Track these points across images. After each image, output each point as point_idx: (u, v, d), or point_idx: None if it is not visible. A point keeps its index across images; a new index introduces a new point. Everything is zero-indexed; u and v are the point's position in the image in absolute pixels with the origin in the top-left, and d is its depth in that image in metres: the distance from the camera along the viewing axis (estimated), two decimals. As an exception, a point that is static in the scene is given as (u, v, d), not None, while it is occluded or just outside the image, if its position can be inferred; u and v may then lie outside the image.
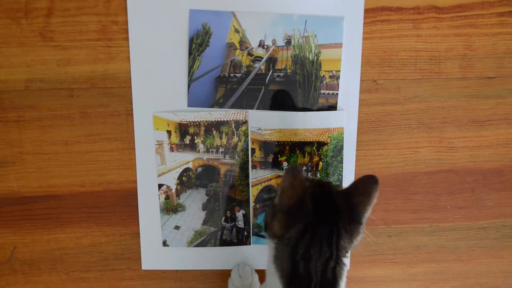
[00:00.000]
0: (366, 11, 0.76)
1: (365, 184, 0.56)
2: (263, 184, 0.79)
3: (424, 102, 0.79)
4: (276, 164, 0.79)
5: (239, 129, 0.78)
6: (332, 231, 0.53)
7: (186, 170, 0.79)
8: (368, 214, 0.57)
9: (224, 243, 0.81)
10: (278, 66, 0.77)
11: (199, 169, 0.79)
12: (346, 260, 0.55)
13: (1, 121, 0.77)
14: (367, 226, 0.81)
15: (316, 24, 0.75)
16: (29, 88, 0.76)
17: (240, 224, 0.80)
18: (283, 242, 0.54)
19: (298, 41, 0.76)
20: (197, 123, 0.78)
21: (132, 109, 0.77)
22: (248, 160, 0.78)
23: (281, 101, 0.77)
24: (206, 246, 0.81)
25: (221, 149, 0.79)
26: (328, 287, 0.53)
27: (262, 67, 0.77)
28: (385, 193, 0.81)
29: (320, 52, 0.76)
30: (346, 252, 0.55)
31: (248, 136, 0.78)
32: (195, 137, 0.78)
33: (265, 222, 0.59)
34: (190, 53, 0.75)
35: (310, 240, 0.53)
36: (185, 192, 0.80)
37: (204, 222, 0.80)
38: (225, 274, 0.82)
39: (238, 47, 0.76)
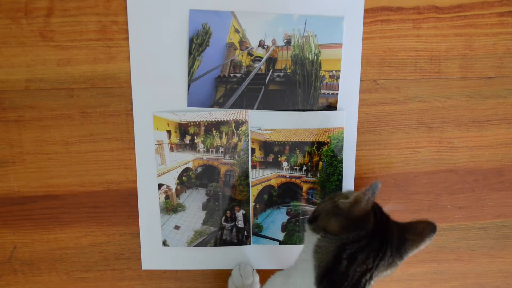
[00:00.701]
0: (366, 11, 0.76)
1: (424, 228, 0.58)
2: (263, 184, 0.79)
3: (424, 102, 0.79)
4: (276, 164, 0.79)
5: (239, 129, 0.78)
6: (381, 250, 0.55)
7: (186, 170, 0.79)
8: (411, 254, 0.58)
9: (224, 243, 0.81)
10: (278, 66, 0.77)
11: (199, 169, 0.79)
12: (374, 280, 0.57)
13: (1, 121, 0.77)
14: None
15: (316, 24, 0.75)
16: (29, 88, 0.76)
17: (240, 224, 0.80)
18: (330, 237, 0.55)
19: (298, 41, 0.76)
20: (197, 123, 0.78)
21: (132, 109, 0.77)
22: (248, 160, 0.78)
23: (281, 101, 0.77)
24: (206, 246, 0.81)
25: (221, 149, 0.79)
26: None
27: (262, 67, 0.77)
28: (385, 193, 0.81)
29: (320, 52, 0.76)
30: (377, 275, 0.57)
31: (248, 136, 0.78)
32: (195, 137, 0.78)
33: (315, 215, 0.60)
34: (190, 53, 0.75)
35: (362, 247, 0.54)
36: (185, 192, 0.80)
37: (204, 222, 0.80)
38: (225, 274, 0.82)
39: (238, 47, 0.76)
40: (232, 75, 0.77)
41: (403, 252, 0.57)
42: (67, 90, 0.77)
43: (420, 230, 0.57)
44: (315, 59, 0.76)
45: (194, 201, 0.80)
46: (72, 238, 0.81)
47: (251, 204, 0.79)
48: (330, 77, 0.77)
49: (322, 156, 0.79)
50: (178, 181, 0.79)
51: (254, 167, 0.79)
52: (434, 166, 0.81)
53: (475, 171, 0.81)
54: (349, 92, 0.77)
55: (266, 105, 0.77)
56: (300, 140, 0.78)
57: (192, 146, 0.78)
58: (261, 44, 0.76)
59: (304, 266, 0.57)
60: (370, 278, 0.55)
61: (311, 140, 0.78)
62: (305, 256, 0.58)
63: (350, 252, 0.54)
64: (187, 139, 0.78)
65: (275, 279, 0.63)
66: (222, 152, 0.79)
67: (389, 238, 0.56)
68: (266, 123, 0.77)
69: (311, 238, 0.58)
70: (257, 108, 0.77)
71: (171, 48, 0.76)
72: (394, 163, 0.80)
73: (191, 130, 0.78)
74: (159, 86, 0.76)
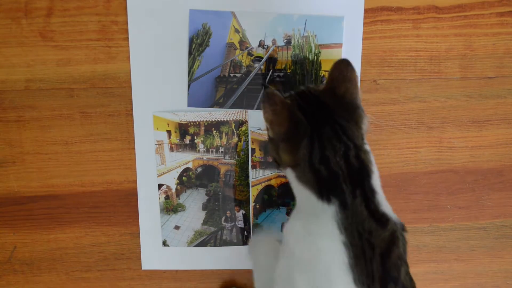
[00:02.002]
0: (366, 11, 0.76)
1: (341, 72, 0.56)
2: (263, 184, 0.79)
3: (424, 102, 0.79)
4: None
5: (239, 129, 0.78)
6: (335, 128, 0.53)
7: (186, 170, 0.79)
8: (359, 96, 0.56)
9: (224, 243, 0.81)
10: (278, 66, 0.77)
11: (199, 169, 0.79)
12: (367, 147, 0.55)
13: (1, 121, 0.77)
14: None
15: (316, 24, 0.75)
16: (29, 88, 0.76)
17: (240, 224, 0.80)
18: (298, 163, 0.54)
19: (298, 41, 0.76)
20: (197, 123, 0.78)
21: (132, 109, 0.77)
22: (248, 160, 0.78)
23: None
24: (206, 246, 0.81)
25: (221, 149, 0.79)
26: (359, 173, 0.53)
27: (262, 67, 0.77)
28: (385, 193, 0.81)
29: (320, 52, 0.76)
30: (362, 139, 0.55)
31: (248, 136, 0.78)
32: (195, 137, 0.78)
33: (273, 159, 0.59)
34: (190, 53, 0.75)
35: (320, 146, 0.53)
36: (185, 192, 0.80)
37: (204, 222, 0.80)
38: (225, 274, 0.82)
39: (238, 47, 0.76)
40: (232, 75, 0.77)
41: (352, 104, 0.55)
42: (67, 90, 0.77)
43: (342, 77, 0.55)
44: (315, 59, 0.76)
45: (194, 201, 0.80)
46: (72, 238, 0.81)
47: (251, 204, 0.79)
48: (330, 77, 0.77)
49: (322, 156, 0.78)
50: (178, 181, 0.79)
51: (254, 167, 0.79)
52: (434, 166, 0.81)
53: (475, 171, 0.81)
54: (349, 92, 0.77)
55: (266, 105, 0.77)
56: (300, 140, 0.78)
57: (192, 146, 0.78)
58: (261, 44, 0.76)
59: (302, 197, 0.56)
60: (357, 150, 0.53)
61: (311, 140, 0.78)
62: (296, 190, 0.57)
63: (318, 158, 0.53)
64: (187, 139, 0.78)
65: (294, 224, 0.59)
66: (222, 152, 0.79)
67: (331, 111, 0.54)
68: (266, 123, 0.77)
69: (288, 174, 0.58)
70: (257, 108, 0.77)
71: (171, 48, 0.76)
72: (394, 163, 0.80)
73: (191, 130, 0.78)
74: (159, 86, 0.76)
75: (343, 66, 0.56)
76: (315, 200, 0.54)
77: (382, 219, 0.52)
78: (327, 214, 0.52)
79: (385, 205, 0.54)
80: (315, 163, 0.53)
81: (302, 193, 0.56)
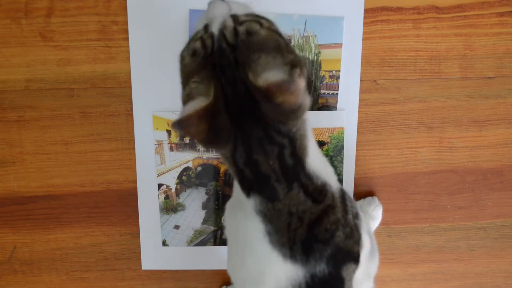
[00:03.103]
0: (366, 11, 0.76)
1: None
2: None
3: (424, 102, 0.79)
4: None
5: (239, 129, 0.78)
6: (267, 130, 0.47)
7: (186, 169, 0.79)
8: (304, 101, 0.46)
9: (224, 242, 0.81)
10: (278, 66, 0.76)
11: (199, 168, 0.79)
12: (303, 128, 0.49)
13: (1, 121, 0.77)
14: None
15: (316, 24, 0.75)
16: (29, 88, 0.77)
17: (240, 224, 0.80)
18: (224, 155, 0.51)
19: (298, 41, 0.76)
20: (197, 123, 0.78)
21: (132, 109, 0.77)
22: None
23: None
24: (206, 246, 0.81)
25: (221, 149, 0.79)
26: (294, 170, 0.49)
27: (262, 67, 0.76)
28: (385, 193, 0.81)
29: (320, 52, 0.76)
30: (297, 125, 0.48)
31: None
32: (195, 137, 0.78)
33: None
34: (190, 53, 0.75)
35: (246, 149, 0.48)
36: (185, 191, 0.80)
37: (204, 221, 0.80)
38: (225, 274, 0.82)
39: (238, 47, 0.76)
40: (232, 75, 0.76)
41: (289, 112, 0.46)
42: (67, 90, 0.77)
43: (276, 87, 0.43)
44: (315, 59, 0.76)
45: (194, 200, 0.80)
46: (72, 238, 0.81)
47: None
48: (330, 77, 0.77)
49: (322, 156, 0.78)
50: (178, 180, 0.79)
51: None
52: (434, 166, 0.81)
53: (475, 171, 0.81)
54: (349, 92, 0.77)
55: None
56: (300, 140, 0.78)
57: (192, 146, 0.78)
58: (261, 44, 0.76)
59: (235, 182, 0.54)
60: (292, 152, 0.48)
61: (311, 140, 0.78)
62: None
63: (242, 160, 0.49)
64: (187, 139, 0.78)
65: (226, 207, 0.60)
66: (222, 152, 0.79)
67: (264, 117, 0.46)
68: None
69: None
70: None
71: (171, 48, 0.75)
72: (394, 163, 0.80)
73: (191, 130, 0.78)
74: (159, 86, 0.76)
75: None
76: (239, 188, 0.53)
77: (319, 197, 0.51)
78: (249, 204, 0.52)
79: (322, 171, 0.52)
80: (239, 164, 0.49)
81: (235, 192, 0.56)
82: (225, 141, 0.48)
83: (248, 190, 0.51)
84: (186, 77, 0.49)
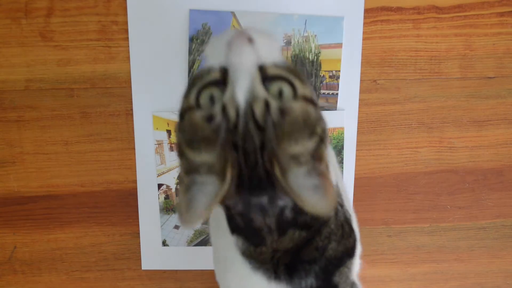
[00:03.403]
0: (366, 11, 0.76)
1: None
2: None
3: (424, 102, 0.79)
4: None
5: (239, 129, 0.78)
6: (272, 197, 0.41)
7: (186, 170, 0.79)
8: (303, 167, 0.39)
9: (224, 243, 0.81)
10: (278, 66, 0.76)
11: (199, 169, 0.79)
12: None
13: (1, 121, 0.77)
14: (366, 226, 0.81)
15: (316, 24, 0.75)
16: (29, 88, 0.76)
17: (240, 224, 0.80)
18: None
19: (298, 41, 0.76)
20: (197, 123, 0.78)
21: (132, 109, 0.77)
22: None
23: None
24: (206, 246, 0.81)
25: (221, 149, 0.78)
26: (292, 222, 0.43)
27: (262, 67, 0.76)
28: (385, 193, 0.81)
29: (320, 52, 0.76)
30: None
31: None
32: (195, 137, 0.78)
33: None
34: (190, 53, 0.75)
35: (244, 209, 0.42)
36: (185, 192, 0.79)
37: (204, 221, 0.80)
38: (225, 274, 0.82)
39: (238, 47, 0.76)
40: (232, 75, 0.76)
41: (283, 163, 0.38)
42: (67, 90, 0.77)
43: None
44: (315, 59, 0.76)
45: (194, 201, 0.80)
46: (72, 238, 0.81)
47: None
48: (330, 77, 0.77)
49: (322, 156, 0.78)
50: (178, 180, 0.79)
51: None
52: (434, 166, 0.81)
53: (475, 171, 0.81)
54: (349, 92, 0.77)
55: (266, 105, 0.77)
56: (300, 140, 0.78)
57: (192, 146, 0.78)
58: (261, 44, 0.76)
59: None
60: (293, 207, 0.41)
61: (311, 140, 0.78)
62: None
63: (237, 210, 0.42)
64: (187, 139, 0.78)
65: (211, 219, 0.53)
66: (222, 152, 0.79)
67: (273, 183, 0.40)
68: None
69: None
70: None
71: (171, 48, 0.76)
72: (394, 163, 0.80)
73: (191, 130, 0.78)
74: (159, 86, 0.76)
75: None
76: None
77: (315, 223, 0.46)
78: (231, 236, 0.47)
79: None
80: (231, 210, 0.43)
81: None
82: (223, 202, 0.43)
83: (233, 230, 0.46)
84: (193, 140, 0.39)
